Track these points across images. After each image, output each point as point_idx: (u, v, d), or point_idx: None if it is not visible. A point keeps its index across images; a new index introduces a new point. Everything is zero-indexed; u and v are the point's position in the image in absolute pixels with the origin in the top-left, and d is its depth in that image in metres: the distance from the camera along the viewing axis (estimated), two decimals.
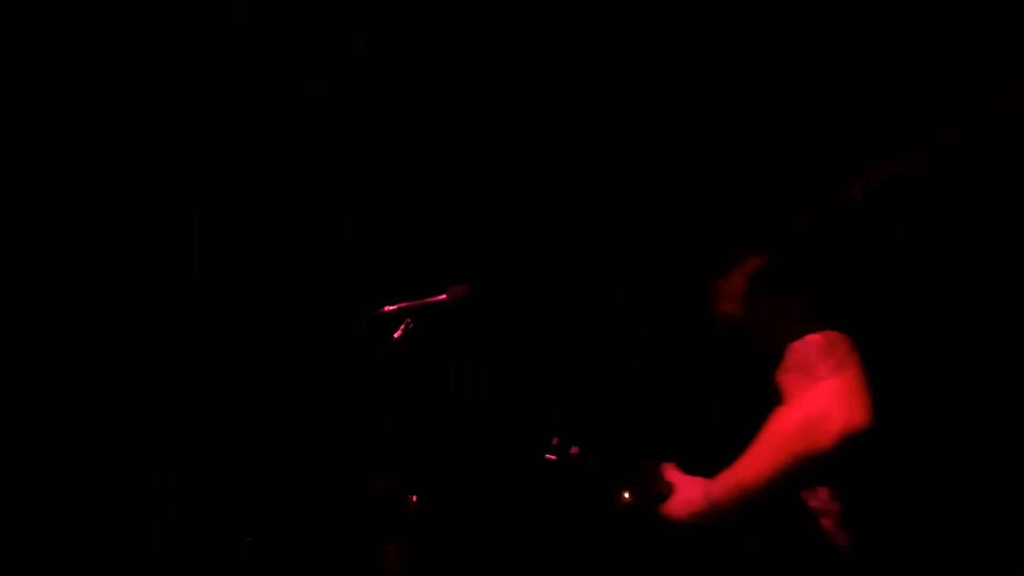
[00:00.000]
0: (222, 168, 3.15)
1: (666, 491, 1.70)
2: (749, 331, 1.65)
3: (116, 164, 3.11)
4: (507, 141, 2.90)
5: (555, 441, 1.78)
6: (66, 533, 3.27)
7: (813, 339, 1.49)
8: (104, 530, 3.31)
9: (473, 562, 2.84)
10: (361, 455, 2.90)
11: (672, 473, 1.73)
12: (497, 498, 2.94)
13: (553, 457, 1.79)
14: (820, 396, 1.44)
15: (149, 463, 3.43)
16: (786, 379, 1.50)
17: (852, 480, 1.61)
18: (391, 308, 1.84)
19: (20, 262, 3.30)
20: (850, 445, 1.40)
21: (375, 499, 2.68)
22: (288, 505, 3.21)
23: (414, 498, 2.31)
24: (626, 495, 1.78)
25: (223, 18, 2.61)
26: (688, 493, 1.66)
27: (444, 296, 1.82)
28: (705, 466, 1.67)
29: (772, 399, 1.58)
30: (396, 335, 1.82)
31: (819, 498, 1.65)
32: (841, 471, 1.55)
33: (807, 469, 1.47)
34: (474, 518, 2.94)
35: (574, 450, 1.77)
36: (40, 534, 3.23)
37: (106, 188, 3.20)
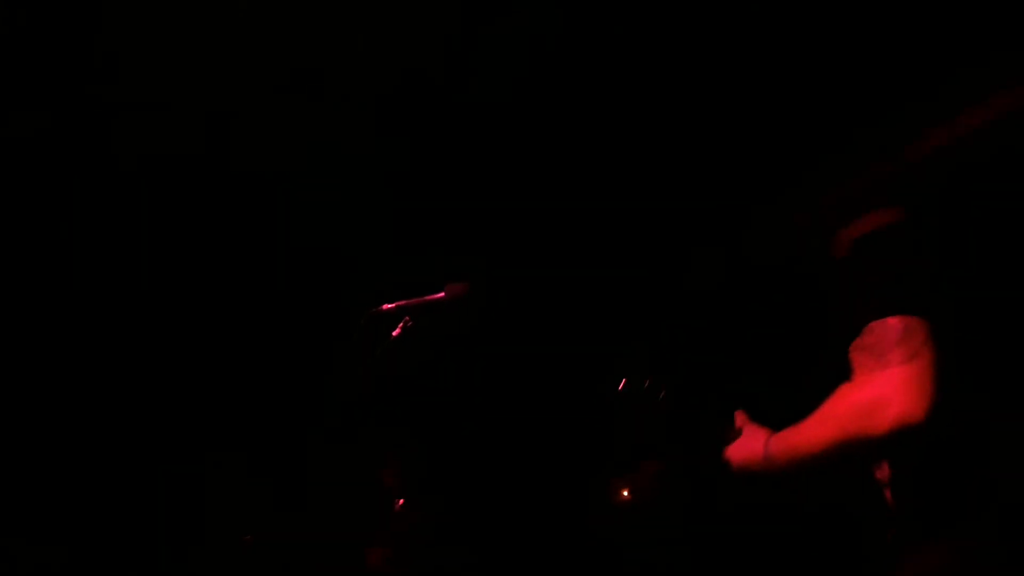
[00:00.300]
0: (219, 168, 3.15)
1: (732, 435, 1.74)
2: (842, 294, 1.62)
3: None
4: (506, 139, 2.90)
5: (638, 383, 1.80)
6: (66, 532, 3.27)
7: (893, 322, 1.46)
8: (104, 529, 3.32)
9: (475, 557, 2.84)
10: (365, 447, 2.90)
11: (741, 419, 1.77)
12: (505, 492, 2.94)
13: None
14: (885, 382, 1.43)
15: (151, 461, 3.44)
16: (858, 357, 1.49)
17: (917, 463, 1.57)
18: (389, 306, 1.84)
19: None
20: (903, 437, 1.41)
21: (381, 491, 2.68)
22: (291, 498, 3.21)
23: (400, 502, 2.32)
24: (625, 492, 1.76)
25: (222, 17, 2.61)
26: (750, 441, 1.70)
27: (442, 294, 1.82)
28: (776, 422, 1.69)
29: (844, 370, 1.58)
30: (394, 333, 1.82)
31: (884, 471, 1.64)
32: (895, 459, 1.55)
33: (857, 450, 1.48)
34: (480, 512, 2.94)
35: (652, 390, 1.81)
36: (40, 533, 3.23)
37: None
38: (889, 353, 1.44)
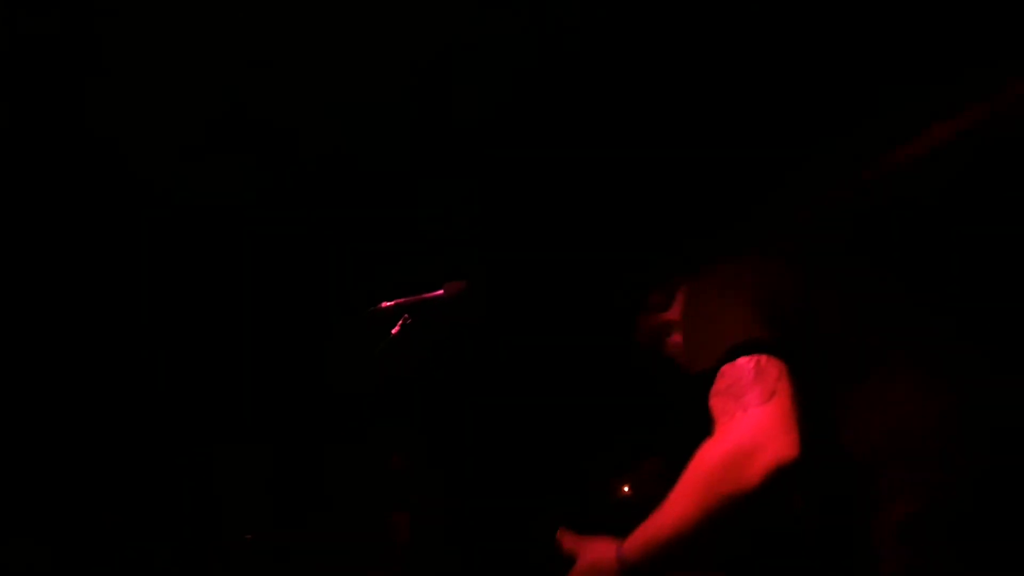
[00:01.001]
0: (216, 169, 3.15)
1: (569, 558, 1.53)
2: (687, 347, 1.51)
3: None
4: (504, 139, 2.91)
5: None
6: (65, 532, 3.27)
7: (743, 362, 1.35)
8: (103, 529, 3.31)
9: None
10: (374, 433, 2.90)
11: (570, 539, 1.56)
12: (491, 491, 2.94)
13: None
14: (748, 426, 1.28)
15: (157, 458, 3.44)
16: (715, 403, 1.36)
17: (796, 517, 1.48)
18: (388, 304, 1.83)
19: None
20: (780, 482, 1.25)
21: (390, 473, 2.68)
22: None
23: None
24: (625, 489, 1.72)
25: (222, 17, 2.61)
26: (595, 556, 1.48)
27: (441, 292, 1.82)
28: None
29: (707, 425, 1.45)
30: (393, 331, 1.82)
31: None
32: (771, 510, 1.40)
33: (734, 511, 1.29)
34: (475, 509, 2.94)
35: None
36: (38, 533, 3.23)
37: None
38: (746, 394, 1.31)
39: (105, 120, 2.95)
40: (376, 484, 2.81)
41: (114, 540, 3.29)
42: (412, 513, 2.59)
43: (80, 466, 3.41)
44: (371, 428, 2.83)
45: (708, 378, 1.38)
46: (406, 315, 1.81)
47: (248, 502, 3.29)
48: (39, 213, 3.23)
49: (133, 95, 2.85)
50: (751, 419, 1.29)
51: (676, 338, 1.71)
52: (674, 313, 1.73)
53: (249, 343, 3.49)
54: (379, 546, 2.67)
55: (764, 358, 1.34)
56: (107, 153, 3.08)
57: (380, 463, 2.77)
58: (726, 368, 1.36)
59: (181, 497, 3.36)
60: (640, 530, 1.40)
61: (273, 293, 3.45)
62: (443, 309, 1.80)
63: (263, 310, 3.47)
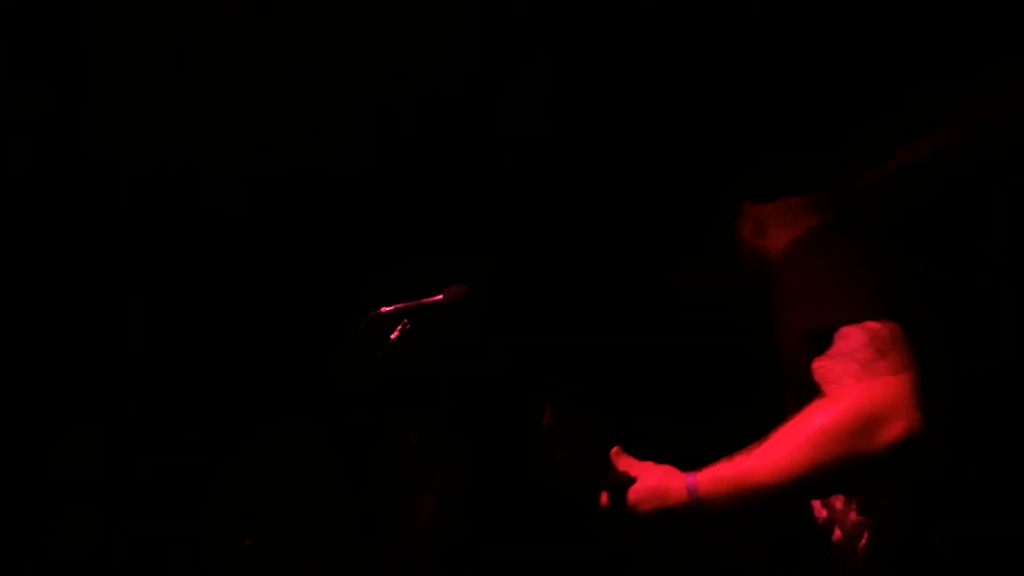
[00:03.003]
0: (213, 170, 3.15)
1: (621, 482, 1.42)
2: (786, 301, 1.42)
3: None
4: (502, 140, 2.90)
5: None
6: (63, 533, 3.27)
7: (874, 327, 1.27)
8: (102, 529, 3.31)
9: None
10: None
11: (626, 460, 1.46)
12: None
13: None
14: (881, 393, 1.23)
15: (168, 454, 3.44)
16: (831, 367, 1.28)
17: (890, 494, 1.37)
18: (387, 309, 1.83)
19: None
20: (906, 455, 1.20)
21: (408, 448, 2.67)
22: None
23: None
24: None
25: (220, 16, 2.61)
26: (658, 482, 1.39)
27: (440, 296, 1.82)
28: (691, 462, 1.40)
29: (791, 387, 1.39)
30: (393, 336, 1.81)
31: (832, 509, 1.45)
32: (884, 483, 1.33)
33: (848, 473, 1.24)
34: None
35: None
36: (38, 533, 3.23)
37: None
38: (878, 362, 1.25)
39: (104, 121, 2.95)
40: (393, 472, 2.81)
41: (112, 541, 3.30)
42: (435, 494, 2.59)
43: (79, 466, 3.41)
44: (385, 417, 2.82)
45: (816, 335, 1.31)
46: (406, 320, 1.81)
47: (247, 505, 3.29)
48: (42, 215, 3.24)
49: (132, 95, 2.85)
50: (882, 387, 1.23)
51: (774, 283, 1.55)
52: (770, 247, 1.58)
53: (251, 346, 3.49)
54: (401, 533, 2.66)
55: (896, 327, 1.27)
56: (106, 155, 3.09)
57: (397, 445, 2.77)
58: (851, 330, 1.29)
59: (180, 499, 3.36)
60: (718, 469, 1.33)
61: (275, 296, 3.45)
62: (443, 314, 1.80)
63: (265, 313, 3.47)
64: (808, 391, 1.31)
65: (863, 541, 1.39)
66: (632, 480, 1.41)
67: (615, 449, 1.46)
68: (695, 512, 1.33)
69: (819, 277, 1.38)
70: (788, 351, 1.41)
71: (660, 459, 1.44)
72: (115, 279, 3.47)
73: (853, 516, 1.41)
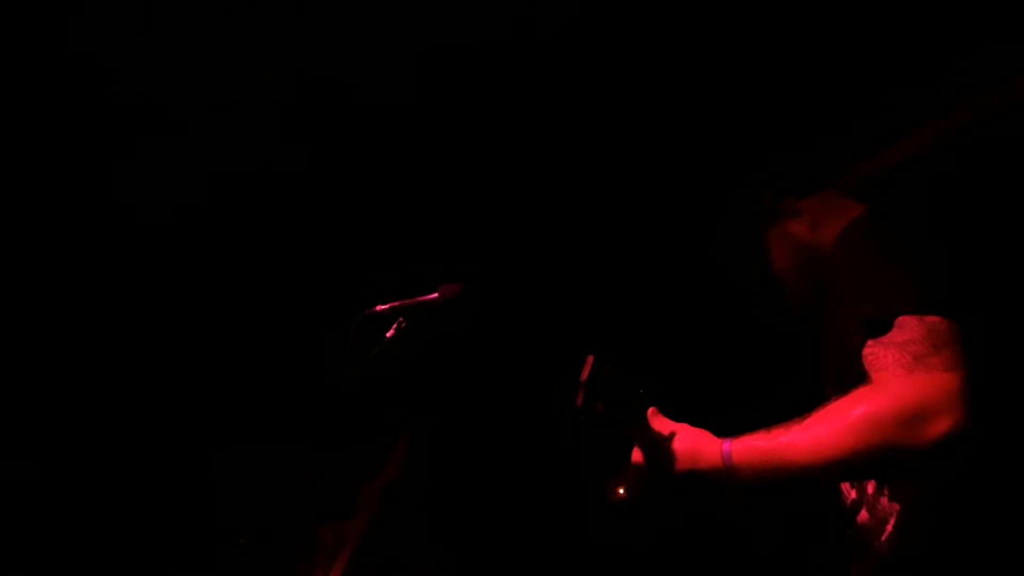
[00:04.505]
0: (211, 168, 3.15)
1: (657, 440, 1.43)
2: (825, 286, 1.42)
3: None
4: (498, 137, 2.90)
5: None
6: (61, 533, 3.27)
7: (933, 321, 1.27)
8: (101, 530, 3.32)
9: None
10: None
11: (663, 421, 1.46)
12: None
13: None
14: (931, 389, 1.23)
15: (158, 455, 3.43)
16: (883, 355, 1.28)
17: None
18: (383, 308, 1.83)
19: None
20: (947, 451, 1.21)
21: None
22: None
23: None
24: (621, 491, 1.68)
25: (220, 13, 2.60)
26: (693, 444, 1.40)
27: (436, 295, 1.82)
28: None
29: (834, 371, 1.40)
30: (388, 334, 1.82)
31: (863, 491, 1.45)
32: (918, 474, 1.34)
33: (888, 462, 1.26)
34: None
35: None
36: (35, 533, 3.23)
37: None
38: (932, 356, 1.25)
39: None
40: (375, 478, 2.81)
41: (109, 541, 3.29)
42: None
43: (75, 467, 3.41)
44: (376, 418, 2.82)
45: (875, 321, 1.31)
46: (401, 318, 1.81)
47: (242, 505, 3.29)
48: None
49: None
50: (933, 382, 1.23)
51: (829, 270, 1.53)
52: (813, 229, 1.55)
53: (245, 344, 3.49)
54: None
55: (954, 324, 1.27)
56: (105, 158, 3.08)
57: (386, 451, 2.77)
58: (908, 320, 1.28)
59: (174, 500, 3.36)
60: (755, 439, 1.34)
61: (270, 294, 3.45)
62: (439, 312, 1.80)
63: (259, 311, 3.46)
64: (853, 375, 1.32)
65: (890, 526, 1.40)
66: (668, 438, 1.41)
67: (652, 409, 1.47)
68: (725, 478, 1.34)
69: (881, 264, 1.38)
70: (840, 334, 1.40)
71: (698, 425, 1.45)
72: (109, 281, 3.47)
73: (884, 501, 1.42)
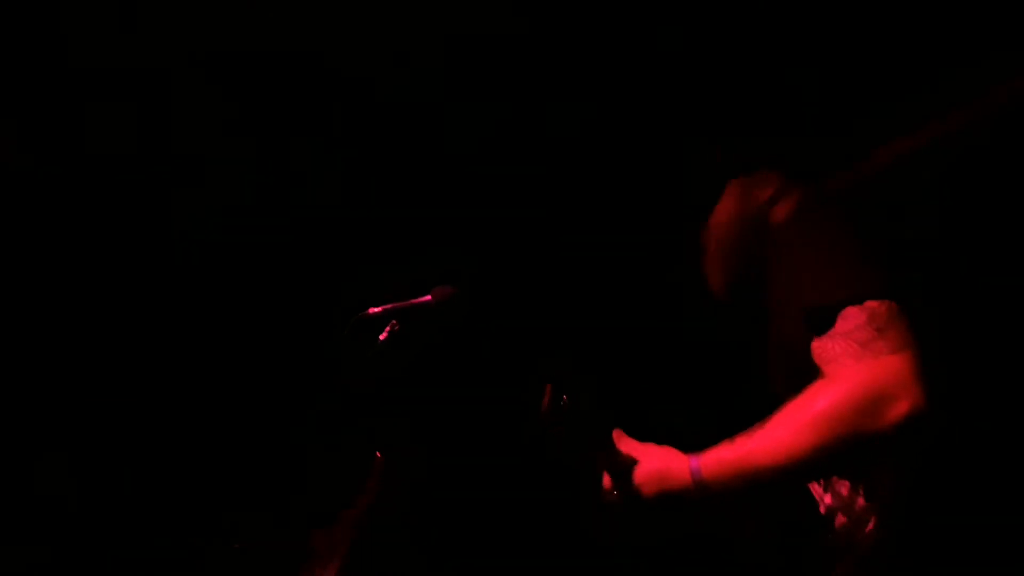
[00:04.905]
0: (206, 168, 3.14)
1: (624, 464, 1.40)
2: (785, 276, 1.41)
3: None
4: (493, 137, 2.90)
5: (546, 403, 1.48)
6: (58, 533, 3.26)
7: (872, 306, 1.27)
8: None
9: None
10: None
11: (628, 442, 1.44)
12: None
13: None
14: (883, 372, 1.23)
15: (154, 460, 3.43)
16: (830, 347, 1.28)
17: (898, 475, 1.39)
18: (376, 310, 1.82)
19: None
20: (912, 434, 1.21)
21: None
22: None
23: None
24: (616, 492, 1.66)
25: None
26: (660, 464, 1.38)
27: (429, 297, 1.81)
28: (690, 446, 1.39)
29: (785, 368, 1.40)
30: (381, 337, 1.81)
31: (838, 495, 1.45)
32: (888, 462, 1.35)
33: (852, 452, 1.25)
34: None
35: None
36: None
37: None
38: (877, 341, 1.25)
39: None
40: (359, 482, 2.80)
41: (107, 542, 3.29)
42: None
43: (72, 467, 3.40)
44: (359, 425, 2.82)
45: (817, 312, 1.31)
46: (394, 321, 1.80)
47: (240, 508, 3.28)
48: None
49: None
50: (883, 366, 1.23)
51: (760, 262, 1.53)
52: (766, 232, 1.53)
53: (238, 347, 3.48)
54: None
55: (894, 305, 1.28)
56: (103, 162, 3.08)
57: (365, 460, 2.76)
58: (851, 310, 1.28)
59: (172, 502, 3.36)
60: (721, 451, 1.33)
61: (262, 298, 3.44)
62: (431, 315, 1.79)
63: (254, 314, 3.46)
64: (804, 372, 1.32)
65: (870, 526, 1.40)
66: (635, 462, 1.40)
67: (616, 431, 1.46)
68: (698, 495, 1.33)
69: (820, 253, 1.38)
70: (784, 329, 1.41)
71: (659, 441, 1.44)
72: (106, 282, 3.46)
73: (861, 501, 1.41)
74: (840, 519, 1.44)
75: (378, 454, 2.21)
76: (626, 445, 1.43)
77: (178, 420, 3.48)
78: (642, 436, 1.45)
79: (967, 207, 2.21)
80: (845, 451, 1.25)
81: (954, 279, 1.48)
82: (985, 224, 2.16)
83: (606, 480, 1.43)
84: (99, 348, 3.47)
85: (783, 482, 1.31)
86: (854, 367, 1.25)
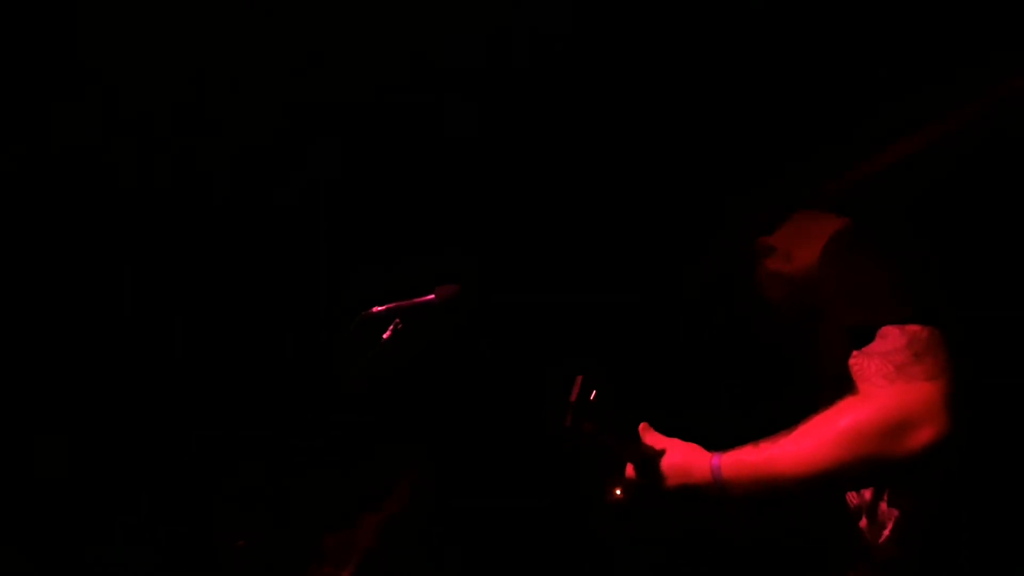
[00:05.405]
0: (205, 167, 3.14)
1: (649, 455, 1.44)
2: (816, 303, 1.43)
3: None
4: (491, 136, 2.90)
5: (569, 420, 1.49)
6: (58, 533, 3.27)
7: (914, 330, 1.28)
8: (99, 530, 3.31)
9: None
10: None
11: (653, 435, 1.48)
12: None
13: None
14: (914, 399, 1.23)
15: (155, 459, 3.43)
16: (866, 365, 1.29)
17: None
18: (379, 309, 1.83)
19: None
20: (930, 461, 1.22)
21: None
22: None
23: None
24: (618, 492, 1.68)
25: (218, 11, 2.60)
26: (683, 459, 1.41)
27: (432, 296, 1.82)
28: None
29: (818, 383, 1.41)
30: (385, 336, 1.81)
31: (862, 497, 1.47)
32: (907, 483, 1.36)
33: (871, 475, 1.29)
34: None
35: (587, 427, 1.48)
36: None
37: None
38: (913, 366, 1.25)
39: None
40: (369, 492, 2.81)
41: (105, 543, 3.29)
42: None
43: (70, 467, 3.41)
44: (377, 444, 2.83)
45: (860, 331, 1.32)
46: (397, 320, 1.81)
47: (242, 507, 3.28)
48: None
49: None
50: (915, 392, 1.24)
51: (776, 267, 1.59)
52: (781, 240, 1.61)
53: (242, 346, 3.48)
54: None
55: (935, 331, 1.28)
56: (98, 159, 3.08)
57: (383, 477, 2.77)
58: (890, 330, 1.29)
59: (173, 501, 3.36)
60: (744, 453, 1.35)
61: (266, 296, 3.44)
62: (435, 313, 1.80)
63: (256, 313, 3.46)
64: (844, 385, 1.32)
65: (888, 529, 1.42)
66: (660, 453, 1.43)
67: (643, 424, 1.49)
68: (716, 493, 1.35)
69: (864, 274, 1.39)
70: (831, 345, 1.41)
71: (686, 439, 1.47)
72: (103, 281, 3.46)
73: (883, 506, 1.43)
74: (863, 521, 1.46)
75: (407, 468, 2.22)
76: (652, 438, 1.47)
77: (181, 421, 3.48)
78: (670, 434, 1.48)
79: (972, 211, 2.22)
80: (862, 470, 1.26)
81: (987, 302, 1.49)
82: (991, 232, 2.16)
83: (630, 470, 1.46)
84: (101, 349, 3.47)
85: (799, 491, 1.32)
86: (886, 389, 1.26)
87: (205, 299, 3.46)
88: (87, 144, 3.03)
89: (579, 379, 1.47)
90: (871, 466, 1.25)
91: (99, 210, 3.23)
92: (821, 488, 1.35)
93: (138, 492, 3.39)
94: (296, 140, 3.05)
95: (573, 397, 1.46)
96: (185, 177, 3.17)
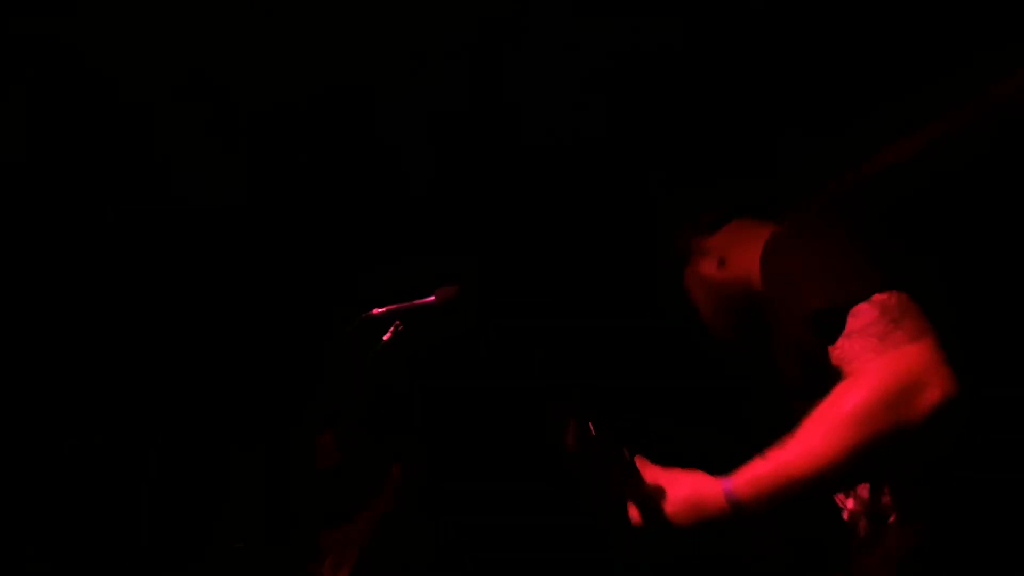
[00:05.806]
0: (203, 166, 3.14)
1: (651, 494, 1.33)
2: (768, 301, 1.41)
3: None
4: (489, 141, 2.90)
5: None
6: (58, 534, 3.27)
7: (882, 299, 1.25)
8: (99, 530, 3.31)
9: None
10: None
11: (652, 471, 1.38)
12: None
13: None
14: (906, 363, 1.20)
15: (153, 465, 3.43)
16: (850, 346, 1.26)
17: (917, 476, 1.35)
18: (379, 311, 1.83)
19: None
20: (946, 420, 1.17)
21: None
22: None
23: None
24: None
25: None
26: (691, 491, 1.31)
27: (432, 298, 1.82)
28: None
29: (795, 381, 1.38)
30: (385, 338, 1.81)
31: (860, 499, 1.44)
32: (921, 457, 1.27)
33: (892, 449, 1.19)
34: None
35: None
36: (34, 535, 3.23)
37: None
38: (895, 332, 1.22)
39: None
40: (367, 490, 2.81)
41: (104, 543, 3.29)
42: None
43: (70, 467, 3.41)
44: (372, 439, 2.82)
45: (826, 316, 1.29)
46: (398, 322, 1.81)
47: (240, 509, 3.29)
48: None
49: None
50: (907, 356, 1.21)
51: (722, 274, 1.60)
52: (719, 245, 1.62)
53: (243, 348, 3.48)
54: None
55: (903, 295, 1.26)
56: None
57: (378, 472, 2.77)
58: (862, 307, 1.26)
59: (173, 502, 3.36)
60: (755, 469, 1.27)
61: (265, 298, 3.45)
62: (435, 315, 1.80)
63: (256, 315, 3.46)
64: (819, 377, 1.29)
65: (892, 518, 1.39)
66: (662, 491, 1.34)
67: (637, 457, 1.40)
68: (735, 517, 1.27)
69: (818, 258, 1.37)
70: (795, 343, 1.39)
71: (676, 464, 1.40)
72: (103, 280, 3.46)
73: (885, 500, 1.41)
74: (863, 523, 1.43)
75: (396, 464, 2.22)
76: (651, 473, 1.37)
77: (182, 421, 3.48)
78: (660, 456, 1.42)
79: (966, 205, 2.23)
80: (882, 448, 1.20)
81: (956, 270, 1.48)
82: (985, 221, 2.18)
83: (633, 513, 1.37)
84: (104, 349, 3.47)
85: (823, 489, 1.28)
86: (877, 361, 1.22)
87: (206, 300, 3.46)
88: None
89: (571, 423, 1.42)
90: (888, 441, 1.19)
91: (99, 210, 3.22)
92: (844, 479, 1.30)
93: (138, 492, 3.39)
94: (296, 140, 3.05)
95: (570, 439, 1.42)
96: (185, 177, 3.17)
